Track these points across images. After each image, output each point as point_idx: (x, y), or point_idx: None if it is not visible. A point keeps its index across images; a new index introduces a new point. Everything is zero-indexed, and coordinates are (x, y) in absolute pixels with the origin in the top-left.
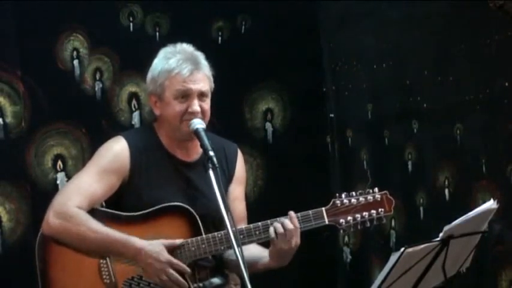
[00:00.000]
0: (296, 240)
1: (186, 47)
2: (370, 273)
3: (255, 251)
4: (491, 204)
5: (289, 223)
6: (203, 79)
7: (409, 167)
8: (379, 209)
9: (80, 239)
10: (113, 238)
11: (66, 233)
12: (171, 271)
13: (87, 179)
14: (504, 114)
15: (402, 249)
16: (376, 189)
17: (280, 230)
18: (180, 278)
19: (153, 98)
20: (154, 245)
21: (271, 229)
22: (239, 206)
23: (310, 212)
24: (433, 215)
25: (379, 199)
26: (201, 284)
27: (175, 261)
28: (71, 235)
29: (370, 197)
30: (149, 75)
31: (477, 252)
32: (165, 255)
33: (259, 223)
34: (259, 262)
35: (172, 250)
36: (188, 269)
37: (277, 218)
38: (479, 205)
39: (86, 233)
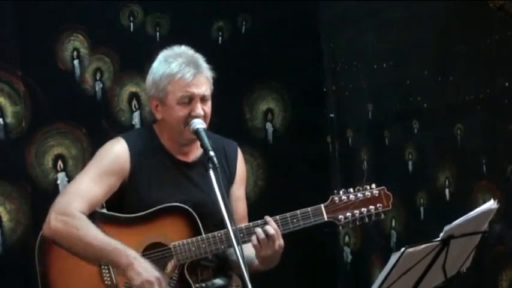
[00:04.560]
0: (279, 243)
1: (186, 50)
2: (370, 273)
3: (249, 252)
4: (491, 204)
5: (271, 229)
6: (205, 82)
7: (410, 167)
8: (378, 205)
9: (78, 243)
10: (110, 246)
11: (66, 237)
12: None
13: (88, 181)
14: (504, 114)
15: (403, 249)
16: (373, 185)
17: (262, 235)
18: None
19: (154, 101)
20: (148, 263)
21: (254, 237)
22: (241, 206)
23: (309, 209)
24: (434, 215)
25: (377, 195)
26: (203, 285)
27: (163, 283)
28: (71, 239)
29: (368, 193)
30: (150, 78)
31: (477, 252)
32: (156, 272)
33: (259, 221)
34: (252, 263)
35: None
36: None
37: (258, 221)
38: (479, 205)
39: (85, 239)
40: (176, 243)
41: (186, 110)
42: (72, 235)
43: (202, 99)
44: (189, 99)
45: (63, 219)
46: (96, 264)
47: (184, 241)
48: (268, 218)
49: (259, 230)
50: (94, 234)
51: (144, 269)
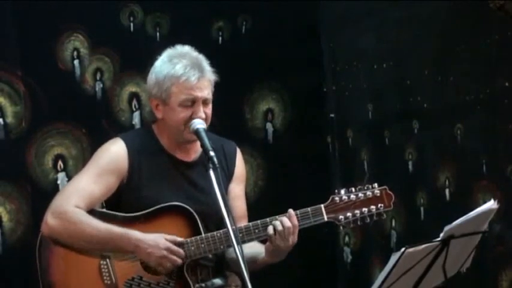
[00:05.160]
0: (293, 238)
1: (190, 51)
2: (370, 273)
3: (254, 248)
4: (491, 204)
5: (288, 221)
6: (208, 86)
7: (410, 167)
8: (379, 205)
9: (79, 237)
10: (112, 233)
11: (65, 232)
12: (172, 256)
13: (85, 180)
14: (504, 114)
15: (403, 249)
16: (375, 185)
17: (279, 227)
18: (180, 262)
19: (154, 101)
20: (154, 235)
21: (270, 227)
22: (239, 204)
23: (309, 209)
24: (434, 215)
25: (378, 194)
26: (203, 285)
27: (174, 247)
28: (71, 234)
29: (369, 193)
30: (152, 77)
31: (477, 252)
32: (164, 242)
33: (259, 221)
34: (258, 258)
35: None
36: (183, 254)
37: (276, 216)
38: (479, 205)
39: (85, 231)
40: None
41: (188, 112)
42: (70, 230)
43: (204, 102)
44: (192, 102)
45: (59, 216)
46: (100, 254)
47: (185, 240)
48: (291, 212)
49: (277, 222)
50: (93, 225)
51: (152, 247)
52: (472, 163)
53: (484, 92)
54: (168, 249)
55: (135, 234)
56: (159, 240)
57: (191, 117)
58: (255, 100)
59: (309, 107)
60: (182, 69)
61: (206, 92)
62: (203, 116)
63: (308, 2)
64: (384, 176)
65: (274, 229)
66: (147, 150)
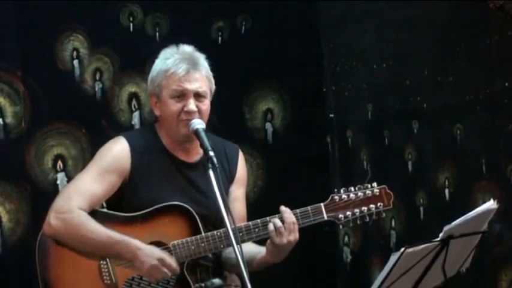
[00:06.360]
0: (295, 235)
1: (187, 48)
2: (370, 273)
3: (250, 249)
4: (491, 204)
5: (288, 216)
6: (200, 79)
7: (409, 167)
8: (378, 204)
9: (80, 240)
10: (113, 240)
11: (67, 234)
12: (163, 268)
13: (88, 179)
14: (504, 114)
15: (402, 249)
16: (374, 184)
17: (279, 224)
18: (169, 275)
19: (153, 98)
20: (152, 246)
21: (271, 224)
22: (239, 206)
23: (309, 208)
24: (433, 215)
25: (377, 193)
26: (202, 284)
27: (168, 259)
28: (72, 236)
29: (368, 192)
30: (149, 76)
31: (477, 252)
32: (159, 253)
33: (258, 220)
34: (255, 258)
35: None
36: (177, 270)
37: (276, 215)
38: (479, 205)
39: (86, 235)
40: (176, 242)
41: (179, 104)
42: (73, 232)
43: (197, 96)
44: (182, 94)
45: (62, 217)
46: (98, 259)
47: (184, 240)
48: (283, 208)
49: (276, 220)
50: (95, 229)
51: (147, 255)
52: (471, 163)
53: (484, 92)
54: (161, 260)
55: (134, 242)
56: (155, 250)
57: (183, 110)
58: (255, 100)
59: (308, 107)
60: (172, 63)
61: (197, 85)
62: (194, 108)
63: (308, 2)
64: (383, 176)
65: (275, 225)
66: (149, 150)
